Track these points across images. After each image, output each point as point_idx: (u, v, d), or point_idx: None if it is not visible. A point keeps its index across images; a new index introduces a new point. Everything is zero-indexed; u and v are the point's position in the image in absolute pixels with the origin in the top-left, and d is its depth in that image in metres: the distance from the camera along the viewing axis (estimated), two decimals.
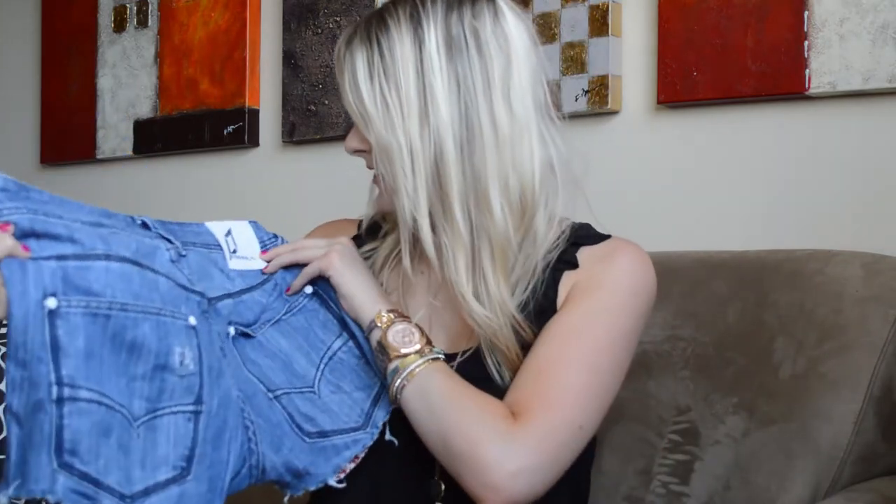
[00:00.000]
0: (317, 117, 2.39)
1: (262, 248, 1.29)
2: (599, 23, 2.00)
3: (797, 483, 1.44)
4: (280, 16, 2.49)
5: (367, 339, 1.24)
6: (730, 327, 1.58)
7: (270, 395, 1.20)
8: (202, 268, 1.20)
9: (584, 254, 1.28)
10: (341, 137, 2.33)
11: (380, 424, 1.22)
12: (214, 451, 1.09)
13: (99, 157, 2.79)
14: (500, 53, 1.21)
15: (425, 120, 1.19)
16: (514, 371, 1.21)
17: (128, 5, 2.73)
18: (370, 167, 1.28)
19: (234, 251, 1.26)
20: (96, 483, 0.99)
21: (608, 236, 1.32)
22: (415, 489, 1.23)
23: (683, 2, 1.92)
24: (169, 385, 1.06)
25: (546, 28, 2.04)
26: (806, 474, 1.44)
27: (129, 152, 2.73)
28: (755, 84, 1.85)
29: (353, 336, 1.27)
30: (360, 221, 1.42)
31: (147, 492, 1.03)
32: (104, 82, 2.78)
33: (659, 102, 1.96)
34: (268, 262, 1.29)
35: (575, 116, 2.01)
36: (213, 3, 2.58)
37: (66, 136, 2.86)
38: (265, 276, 1.28)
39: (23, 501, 1.04)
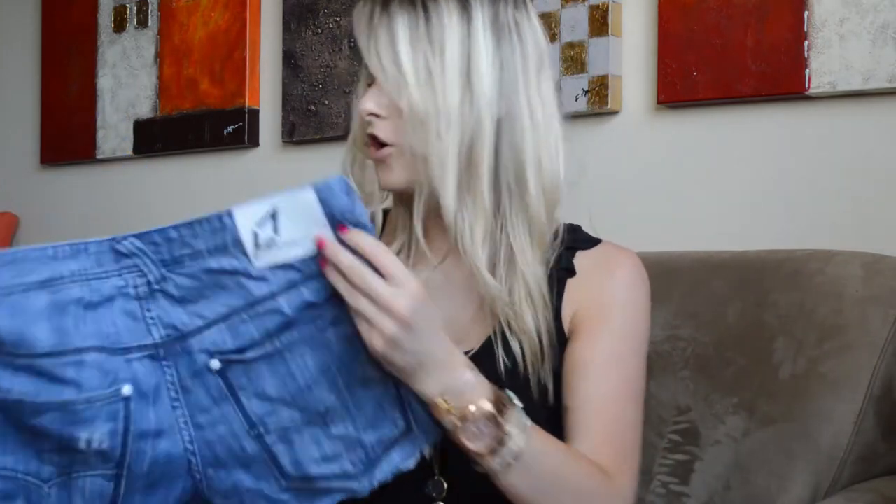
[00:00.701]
0: (317, 117, 2.40)
1: (330, 222, 1.03)
2: (599, 23, 2.00)
3: (797, 483, 1.44)
4: (280, 16, 2.49)
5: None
6: (730, 327, 1.58)
7: (252, 432, 1.09)
8: (202, 284, 1.06)
9: (580, 260, 1.28)
10: (341, 137, 2.34)
11: (376, 484, 1.11)
12: (148, 497, 1.09)
13: (99, 157, 2.80)
14: (535, 47, 1.24)
15: (467, 91, 1.19)
16: (532, 351, 1.22)
17: (128, 5, 2.73)
18: (373, 137, 1.22)
19: (271, 240, 1.03)
20: None
21: (599, 240, 1.32)
22: (416, 488, 1.22)
23: (683, 2, 1.92)
24: (80, 458, 1.07)
25: (546, 28, 2.03)
26: (806, 474, 1.44)
27: (129, 152, 2.73)
28: (755, 84, 1.85)
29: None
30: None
31: None
32: (104, 82, 2.78)
33: (659, 102, 1.96)
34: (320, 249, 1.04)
35: (575, 116, 2.01)
36: (213, 3, 2.58)
37: (66, 136, 2.86)
38: (308, 267, 1.05)
39: None
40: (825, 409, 1.45)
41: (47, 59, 2.91)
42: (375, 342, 1.02)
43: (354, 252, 1.02)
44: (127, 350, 1.06)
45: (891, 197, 1.75)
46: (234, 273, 1.05)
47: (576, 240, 1.30)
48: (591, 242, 1.31)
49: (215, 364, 1.07)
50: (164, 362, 1.07)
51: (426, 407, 1.08)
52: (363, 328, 1.03)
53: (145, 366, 1.07)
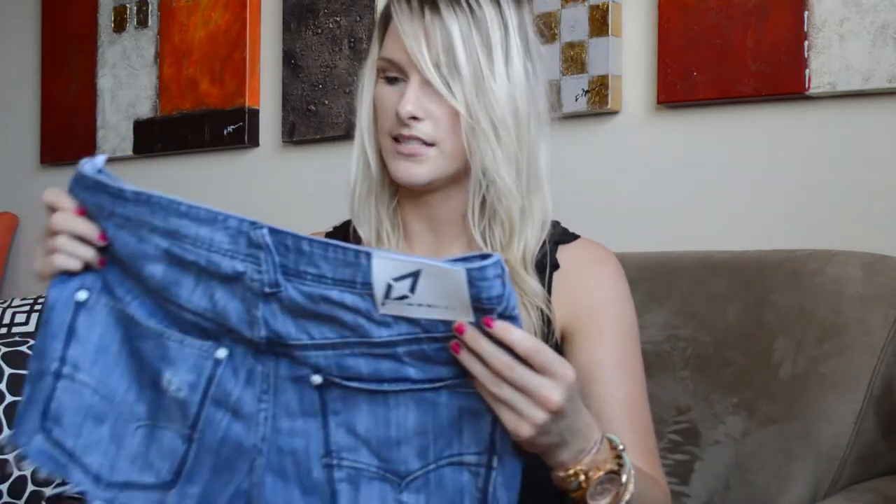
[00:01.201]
0: (317, 117, 2.39)
1: (474, 305, 0.95)
2: (599, 23, 2.00)
3: (797, 483, 1.44)
4: (280, 16, 2.49)
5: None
6: (730, 327, 1.58)
7: (325, 459, 1.05)
8: (316, 307, 1.01)
9: (563, 254, 1.31)
10: (341, 137, 2.34)
11: None
12: (212, 479, 1.08)
13: None
14: (539, 54, 1.31)
15: (511, 96, 1.26)
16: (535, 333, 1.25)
17: (128, 5, 2.73)
18: (415, 140, 1.26)
19: (404, 297, 0.96)
20: (71, 455, 1.10)
21: (577, 235, 1.36)
22: None
23: (683, 2, 1.92)
24: (165, 402, 1.09)
25: (546, 28, 2.04)
26: (806, 474, 1.44)
27: (129, 152, 2.73)
28: (755, 84, 1.85)
29: (493, 460, 1.02)
30: (327, 233, 1.43)
31: (126, 486, 1.10)
32: (104, 82, 2.78)
33: (659, 102, 1.96)
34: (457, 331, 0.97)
35: (575, 116, 2.01)
36: (213, 3, 2.58)
37: (66, 136, 2.86)
38: (435, 328, 0.98)
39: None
40: (825, 409, 1.45)
41: (47, 59, 2.91)
42: (523, 431, 0.98)
43: (497, 341, 0.97)
44: (230, 330, 1.05)
45: (891, 197, 1.75)
46: (354, 310, 0.99)
47: (555, 234, 1.33)
48: (571, 237, 1.34)
49: (316, 379, 1.03)
50: (263, 357, 1.05)
51: (552, 477, 1.06)
52: (508, 417, 0.98)
53: (245, 349, 1.05)
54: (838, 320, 1.49)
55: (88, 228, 1.10)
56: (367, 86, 1.32)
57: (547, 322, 1.27)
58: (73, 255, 1.10)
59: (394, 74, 1.28)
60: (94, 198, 1.10)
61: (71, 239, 1.10)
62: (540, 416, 0.97)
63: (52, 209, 1.13)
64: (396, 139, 1.28)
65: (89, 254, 1.10)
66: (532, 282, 1.26)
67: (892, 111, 1.76)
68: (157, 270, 1.06)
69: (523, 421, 0.98)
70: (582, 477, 1.05)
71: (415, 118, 1.25)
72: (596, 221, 1.88)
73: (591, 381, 1.25)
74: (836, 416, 1.44)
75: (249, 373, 1.05)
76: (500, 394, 0.98)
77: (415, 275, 0.95)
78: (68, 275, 1.09)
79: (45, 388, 1.09)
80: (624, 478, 1.07)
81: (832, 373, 1.46)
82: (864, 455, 1.44)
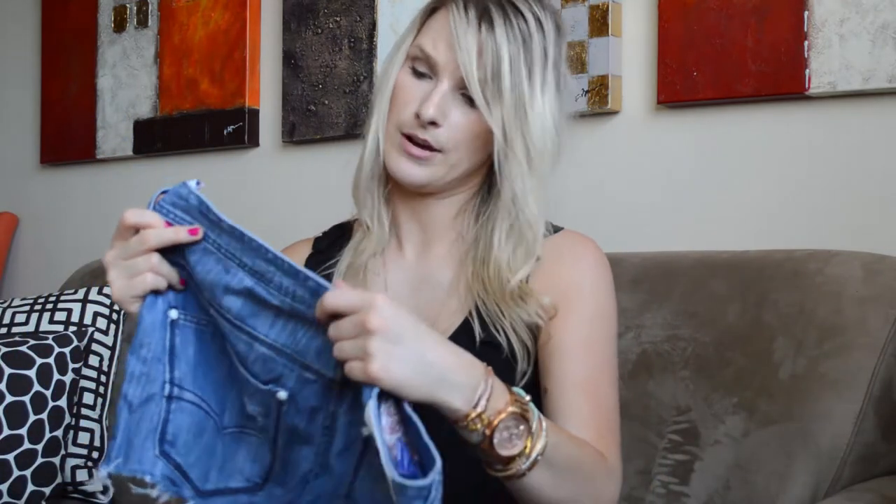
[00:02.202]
0: (317, 117, 2.39)
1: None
2: (599, 23, 2.00)
3: (797, 483, 1.44)
4: (280, 16, 2.49)
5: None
6: (730, 327, 1.58)
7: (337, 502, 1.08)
8: None
9: (544, 246, 1.32)
10: (341, 137, 2.34)
11: None
12: (295, 485, 1.10)
13: (99, 157, 2.80)
14: (571, 93, 1.42)
15: (544, 125, 1.28)
16: (508, 329, 1.26)
17: (128, 5, 2.73)
18: (424, 145, 1.27)
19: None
20: (184, 474, 1.09)
21: (561, 228, 1.37)
22: None
23: (683, 2, 1.92)
24: (251, 417, 1.11)
25: None
26: (806, 474, 1.44)
27: (129, 152, 2.73)
28: (755, 84, 1.85)
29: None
30: (315, 238, 1.43)
31: (216, 493, 1.10)
32: (104, 82, 2.78)
33: (659, 102, 1.96)
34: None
35: (575, 116, 2.01)
36: (213, 3, 2.58)
37: (66, 136, 2.86)
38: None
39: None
40: (825, 409, 1.45)
41: (47, 59, 2.91)
42: (368, 369, 0.96)
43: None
44: (307, 367, 1.05)
45: (891, 197, 1.75)
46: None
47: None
48: (554, 230, 1.35)
49: (364, 431, 1.01)
50: (328, 394, 1.05)
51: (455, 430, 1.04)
52: (351, 367, 0.97)
53: (308, 387, 1.06)
54: (838, 320, 1.49)
55: (180, 236, 1.09)
56: (393, 69, 1.31)
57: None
58: (162, 273, 1.09)
59: (424, 70, 1.29)
60: (189, 217, 1.09)
61: (161, 258, 1.09)
62: (366, 343, 0.96)
63: (136, 229, 1.10)
64: (407, 136, 1.28)
65: (172, 273, 1.09)
66: (528, 303, 1.27)
67: (892, 111, 1.76)
68: (236, 303, 1.06)
69: (362, 361, 0.96)
70: (484, 423, 1.02)
71: (433, 123, 1.26)
72: (596, 221, 1.88)
73: (551, 359, 1.25)
74: (836, 416, 1.44)
75: (313, 410, 1.06)
76: (339, 354, 0.98)
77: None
78: (153, 295, 1.09)
79: (158, 412, 1.08)
80: (534, 425, 1.05)
81: (832, 373, 1.46)
82: (864, 455, 1.44)
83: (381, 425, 0.96)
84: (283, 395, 1.06)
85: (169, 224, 1.09)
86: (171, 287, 1.10)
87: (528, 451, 1.05)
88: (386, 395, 0.98)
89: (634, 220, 2.00)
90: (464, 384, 1.01)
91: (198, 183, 1.11)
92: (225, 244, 1.07)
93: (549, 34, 1.29)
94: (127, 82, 2.74)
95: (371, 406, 0.96)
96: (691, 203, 1.95)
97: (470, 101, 1.27)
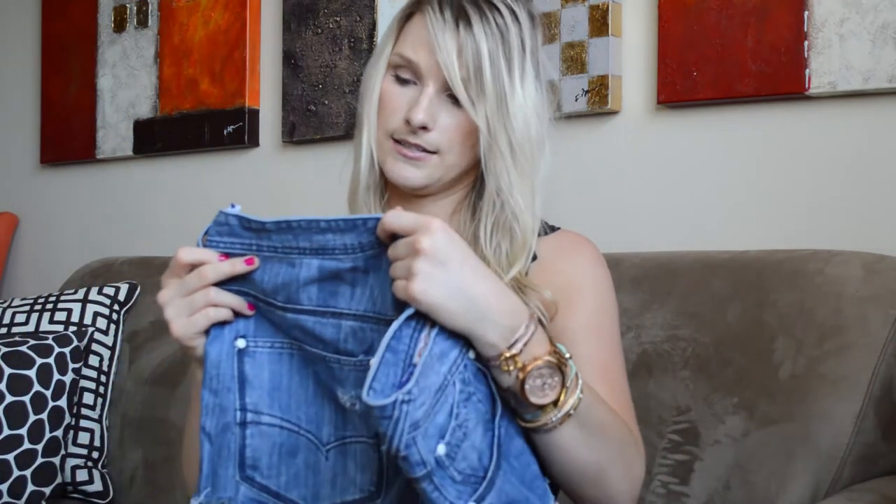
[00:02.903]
0: (317, 117, 2.39)
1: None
2: (599, 23, 2.00)
3: (797, 483, 1.44)
4: (280, 16, 2.49)
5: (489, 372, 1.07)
6: (730, 327, 1.58)
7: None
8: None
9: (541, 246, 1.32)
10: (341, 137, 2.34)
11: None
12: (403, 484, 1.10)
13: (99, 157, 2.80)
14: (550, 79, 1.35)
15: (526, 116, 1.28)
16: None
17: (128, 5, 2.73)
18: (418, 148, 1.28)
19: None
20: (276, 495, 1.12)
21: (557, 228, 1.37)
22: None
23: (683, 2, 1.92)
24: (350, 416, 1.11)
25: (546, 28, 2.04)
26: (806, 474, 1.44)
27: (129, 152, 2.73)
28: (755, 84, 1.85)
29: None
30: None
31: None
32: (104, 82, 2.78)
33: (659, 102, 1.96)
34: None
35: (575, 116, 2.01)
36: (213, 3, 2.58)
37: (66, 136, 2.86)
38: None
39: None
40: (825, 409, 1.45)
41: (47, 59, 2.91)
42: (411, 287, 0.99)
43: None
44: (390, 322, 1.05)
45: (891, 197, 1.75)
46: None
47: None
48: (551, 229, 1.36)
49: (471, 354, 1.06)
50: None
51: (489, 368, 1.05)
52: (399, 287, 1.01)
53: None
54: (838, 320, 1.49)
55: (237, 268, 1.10)
56: (376, 79, 1.32)
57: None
58: (224, 304, 1.10)
59: (407, 76, 1.29)
60: (237, 238, 1.11)
61: (219, 290, 1.10)
62: (412, 263, 1.00)
63: (191, 267, 1.11)
64: (398, 141, 1.28)
65: (236, 301, 1.11)
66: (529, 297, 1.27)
67: (892, 111, 1.76)
68: (313, 290, 1.08)
69: (406, 279, 1.00)
70: (518, 366, 1.03)
71: (424, 128, 1.26)
72: (596, 221, 1.88)
73: (562, 343, 1.24)
74: (836, 416, 1.44)
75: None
76: (392, 273, 1.03)
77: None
78: (218, 327, 1.11)
79: (233, 440, 1.12)
80: (570, 380, 1.06)
81: (832, 373, 1.46)
82: (864, 455, 1.44)
83: (396, 337, 0.98)
84: (374, 361, 1.04)
85: (224, 256, 1.10)
86: (238, 314, 1.11)
87: (560, 403, 1.06)
88: (428, 322, 1.00)
89: (634, 220, 2.00)
90: (503, 325, 1.03)
91: (232, 206, 1.12)
92: (279, 243, 1.09)
93: (524, 24, 1.29)
94: (127, 82, 2.74)
95: (397, 323, 0.99)
96: (691, 203, 1.95)
97: (456, 102, 1.27)
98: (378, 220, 1.05)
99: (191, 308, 1.10)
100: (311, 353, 1.10)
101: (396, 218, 1.03)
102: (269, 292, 1.10)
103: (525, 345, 1.04)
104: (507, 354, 1.03)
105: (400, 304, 1.03)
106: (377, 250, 1.07)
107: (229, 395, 1.11)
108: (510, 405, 1.07)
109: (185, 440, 1.29)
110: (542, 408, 1.06)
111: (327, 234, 1.07)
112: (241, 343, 1.12)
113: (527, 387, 1.04)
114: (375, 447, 1.09)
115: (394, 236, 1.04)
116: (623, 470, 1.15)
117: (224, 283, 1.10)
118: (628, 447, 1.17)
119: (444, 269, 1.01)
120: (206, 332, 1.12)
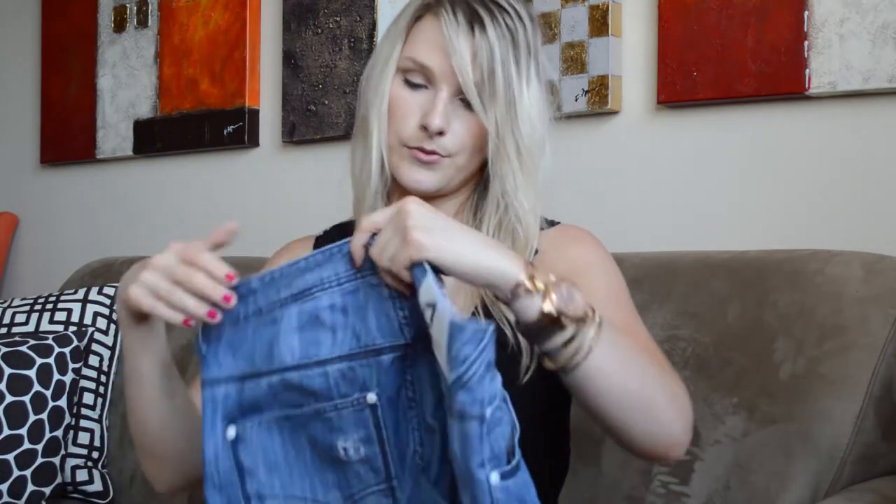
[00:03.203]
0: (317, 117, 2.39)
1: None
2: (599, 23, 2.00)
3: (797, 483, 1.44)
4: (280, 16, 2.49)
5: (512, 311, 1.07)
6: (730, 327, 1.58)
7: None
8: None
9: (541, 240, 1.33)
10: (341, 137, 2.34)
11: None
12: (414, 483, 1.09)
13: (99, 157, 2.80)
14: (550, 80, 1.37)
15: (531, 119, 1.28)
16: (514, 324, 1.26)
17: (128, 5, 2.73)
18: (430, 154, 1.28)
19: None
20: None
21: (557, 222, 1.38)
22: None
23: (683, 2, 1.92)
24: (353, 470, 1.10)
25: (546, 28, 2.04)
26: (806, 474, 1.44)
27: (129, 152, 2.73)
28: (755, 84, 1.85)
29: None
30: (316, 237, 1.43)
31: None
32: (104, 82, 2.78)
33: (659, 102, 1.96)
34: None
35: (575, 116, 2.01)
36: (213, 3, 2.58)
37: (66, 136, 2.86)
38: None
39: None
40: (825, 409, 1.45)
41: (47, 59, 2.91)
42: (413, 238, 1.00)
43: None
44: (379, 351, 1.07)
45: (891, 197, 1.75)
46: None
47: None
48: (549, 224, 1.36)
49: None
50: (407, 363, 1.07)
51: (508, 301, 1.04)
52: (401, 252, 1.02)
53: (392, 370, 1.07)
54: (838, 320, 1.49)
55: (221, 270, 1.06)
56: (385, 83, 1.30)
57: None
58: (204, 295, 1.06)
59: (418, 80, 1.28)
60: (234, 309, 1.09)
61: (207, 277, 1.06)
62: (403, 228, 1.01)
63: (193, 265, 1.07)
64: (412, 147, 1.28)
65: (219, 291, 1.05)
66: None
67: (892, 111, 1.76)
68: (295, 343, 1.07)
69: (403, 242, 1.01)
70: (540, 285, 1.03)
71: (441, 133, 1.26)
72: (596, 221, 1.88)
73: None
74: (836, 416, 1.44)
75: (397, 390, 1.07)
76: (384, 258, 1.03)
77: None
78: (211, 418, 1.09)
79: None
80: (596, 315, 1.05)
81: (832, 373, 1.46)
82: (864, 455, 1.44)
83: (438, 290, 0.97)
84: (372, 397, 1.06)
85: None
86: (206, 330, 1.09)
87: (588, 317, 1.05)
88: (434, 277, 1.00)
89: (634, 220, 2.00)
90: (509, 254, 1.05)
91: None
92: (265, 302, 1.08)
93: (528, 25, 1.29)
94: (127, 82, 2.74)
95: (429, 278, 0.98)
96: (691, 203, 1.95)
97: (467, 105, 1.27)
98: (349, 242, 1.05)
99: (168, 298, 1.06)
100: (303, 415, 1.09)
101: (369, 219, 1.04)
102: (258, 363, 1.09)
103: (535, 269, 1.04)
104: (526, 274, 1.03)
105: (388, 330, 1.05)
106: (354, 282, 1.06)
107: (234, 489, 1.11)
108: (542, 346, 1.05)
109: (135, 421, 1.22)
110: (577, 326, 1.04)
111: (306, 274, 1.06)
112: (231, 433, 1.10)
113: (556, 298, 1.02)
114: (387, 492, 1.09)
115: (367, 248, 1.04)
116: (668, 397, 1.13)
117: (220, 370, 1.09)
118: (668, 374, 1.16)
119: (435, 219, 1.02)
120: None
